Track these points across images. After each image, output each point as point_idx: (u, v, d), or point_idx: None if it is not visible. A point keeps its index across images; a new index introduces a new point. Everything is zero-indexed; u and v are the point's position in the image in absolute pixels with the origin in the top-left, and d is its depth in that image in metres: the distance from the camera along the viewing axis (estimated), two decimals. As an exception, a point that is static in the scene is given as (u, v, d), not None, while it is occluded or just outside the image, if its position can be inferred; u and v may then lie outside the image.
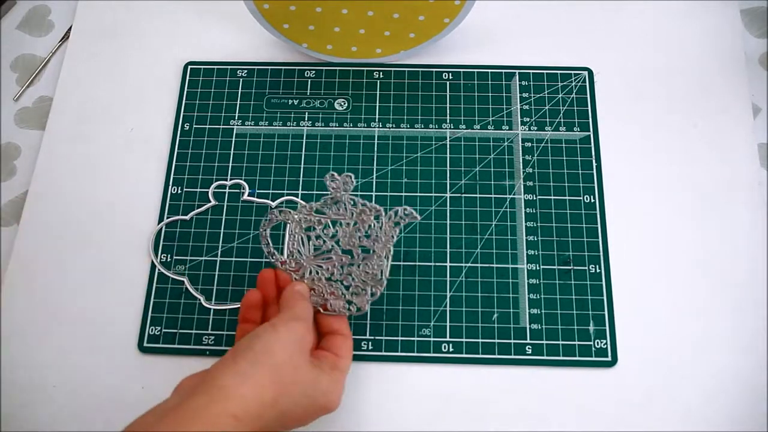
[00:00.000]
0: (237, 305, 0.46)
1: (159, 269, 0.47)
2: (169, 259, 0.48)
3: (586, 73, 0.53)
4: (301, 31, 0.51)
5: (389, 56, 0.53)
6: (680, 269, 0.47)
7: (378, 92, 0.53)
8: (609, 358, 0.45)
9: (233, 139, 0.52)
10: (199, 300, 0.47)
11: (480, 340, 0.45)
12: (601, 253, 0.47)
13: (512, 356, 0.45)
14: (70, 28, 0.57)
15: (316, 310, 0.41)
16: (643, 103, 0.52)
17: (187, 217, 0.49)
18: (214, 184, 0.50)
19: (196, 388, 0.34)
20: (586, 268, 0.47)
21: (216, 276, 0.47)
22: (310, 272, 0.42)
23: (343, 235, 0.42)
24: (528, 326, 0.46)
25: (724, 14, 0.55)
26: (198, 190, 0.50)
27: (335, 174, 0.42)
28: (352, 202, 0.42)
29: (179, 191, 0.50)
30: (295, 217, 0.42)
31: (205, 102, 0.53)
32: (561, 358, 0.45)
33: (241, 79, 0.54)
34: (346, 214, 0.42)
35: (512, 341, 0.45)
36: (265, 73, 0.54)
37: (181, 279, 0.47)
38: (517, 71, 0.53)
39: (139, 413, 0.44)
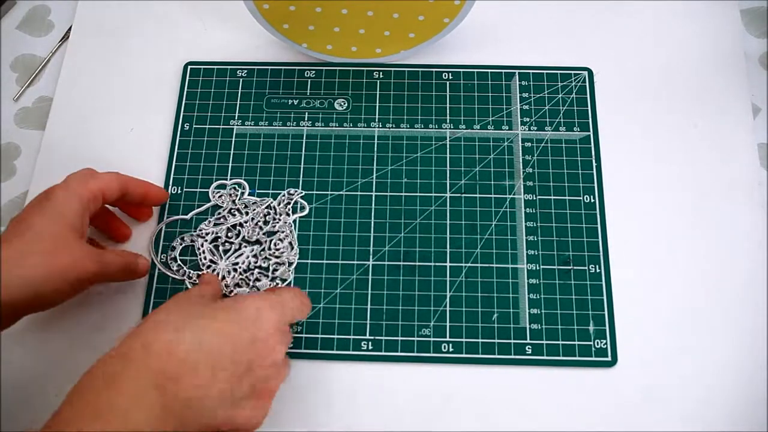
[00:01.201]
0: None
1: (159, 269, 0.47)
2: (169, 259, 0.48)
3: (586, 73, 0.53)
4: (301, 31, 0.51)
5: (389, 56, 0.53)
6: (680, 269, 0.47)
7: (378, 92, 0.53)
8: (609, 358, 0.45)
9: (233, 139, 0.52)
10: None
11: (480, 340, 0.45)
12: (601, 253, 0.47)
13: (512, 356, 0.45)
14: (70, 28, 0.57)
15: None
16: (643, 103, 0.52)
17: (187, 217, 0.49)
18: (215, 184, 0.50)
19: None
20: (586, 268, 0.47)
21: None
22: (229, 272, 0.46)
23: (246, 231, 0.47)
24: (528, 326, 0.46)
25: (724, 14, 0.55)
26: (198, 190, 0.50)
27: (220, 187, 0.50)
28: (243, 205, 0.49)
29: (179, 191, 0.50)
30: (198, 234, 0.48)
31: (205, 102, 0.53)
32: (561, 358, 0.45)
33: (241, 79, 0.54)
34: (242, 216, 0.48)
35: (512, 341, 0.45)
36: (265, 73, 0.54)
37: (182, 279, 0.47)
38: (517, 71, 0.53)
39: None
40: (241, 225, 0.48)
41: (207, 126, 0.52)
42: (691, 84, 0.53)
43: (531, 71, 0.53)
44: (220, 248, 0.48)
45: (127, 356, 0.33)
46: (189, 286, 0.47)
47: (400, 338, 0.46)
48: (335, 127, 0.52)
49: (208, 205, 0.49)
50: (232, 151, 0.51)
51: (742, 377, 0.44)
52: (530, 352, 0.45)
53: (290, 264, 0.47)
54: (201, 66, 0.54)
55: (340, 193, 0.50)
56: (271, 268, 0.47)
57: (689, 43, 0.54)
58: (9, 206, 0.51)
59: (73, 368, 0.45)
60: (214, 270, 0.47)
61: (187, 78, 0.54)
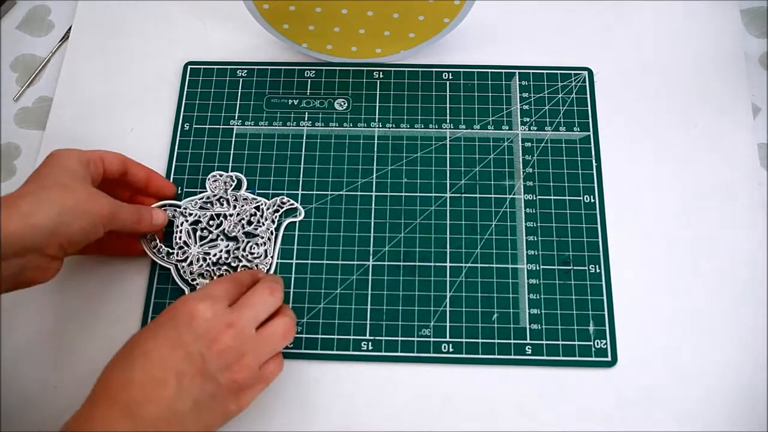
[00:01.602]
0: None
1: (142, 243, 0.47)
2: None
3: (586, 73, 0.53)
4: (301, 31, 0.51)
5: (389, 56, 0.53)
6: (680, 269, 0.47)
7: (378, 92, 0.53)
8: (609, 358, 0.45)
9: (233, 139, 0.52)
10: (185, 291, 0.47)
11: (480, 340, 0.45)
12: (601, 253, 0.47)
13: (512, 356, 0.45)
14: (70, 28, 0.57)
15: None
16: (643, 103, 0.52)
17: (180, 203, 0.48)
18: (213, 173, 0.50)
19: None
20: (586, 268, 0.47)
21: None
22: (198, 260, 0.46)
23: (228, 225, 0.47)
24: (528, 326, 0.46)
25: (724, 14, 0.55)
26: (198, 190, 0.50)
27: (217, 174, 0.49)
28: (234, 198, 0.48)
29: (179, 191, 0.50)
30: (182, 211, 0.48)
31: (205, 102, 0.53)
32: (561, 358, 0.45)
33: (241, 79, 0.54)
34: (229, 208, 0.48)
35: (512, 341, 0.45)
36: (265, 73, 0.54)
37: (168, 266, 0.47)
38: (517, 71, 0.53)
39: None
40: (225, 216, 0.48)
41: (207, 126, 0.52)
42: (691, 84, 0.53)
43: (531, 71, 0.53)
44: (198, 233, 0.47)
45: (92, 400, 0.35)
46: (158, 261, 0.47)
47: (400, 338, 0.46)
48: (335, 127, 0.52)
49: (203, 194, 0.49)
50: (232, 151, 0.51)
51: (742, 377, 0.44)
52: (530, 352, 0.45)
53: (267, 271, 0.47)
54: (201, 66, 0.54)
55: (340, 193, 0.50)
56: (238, 269, 0.47)
57: (689, 43, 0.54)
58: (9, 206, 0.51)
59: (73, 368, 0.45)
60: (184, 252, 0.47)
61: (187, 78, 0.54)
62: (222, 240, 0.47)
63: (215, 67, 0.54)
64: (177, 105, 0.53)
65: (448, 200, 0.49)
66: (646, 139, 0.51)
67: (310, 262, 0.48)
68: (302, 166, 0.51)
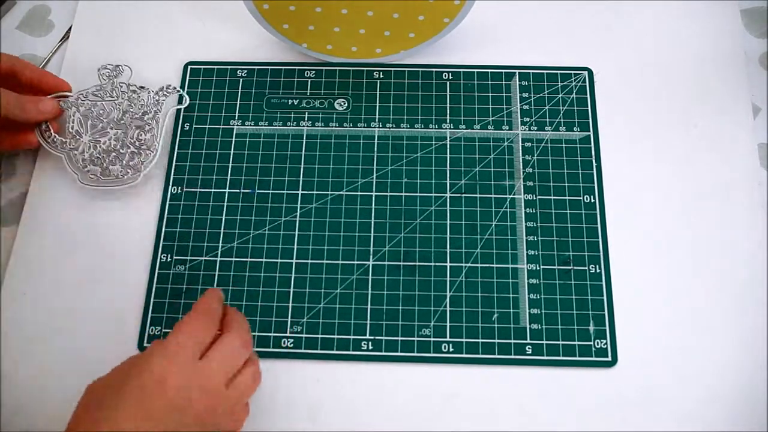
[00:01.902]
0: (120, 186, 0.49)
1: (37, 137, 0.49)
2: (169, 259, 0.48)
3: (586, 73, 0.53)
4: (301, 31, 0.51)
5: (389, 56, 0.53)
6: (680, 269, 0.47)
7: (378, 92, 0.53)
8: (609, 358, 0.45)
9: (233, 139, 0.52)
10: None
11: (480, 340, 0.45)
12: (601, 253, 0.47)
13: (512, 356, 0.45)
14: (70, 28, 0.57)
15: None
16: (643, 103, 0.52)
17: (71, 95, 0.51)
18: (102, 65, 0.52)
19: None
20: (586, 268, 0.47)
21: (216, 276, 0.47)
22: (89, 147, 0.49)
23: (117, 113, 0.50)
24: (528, 326, 0.46)
25: (724, 14, 0.55)
26: (198, 190, 0.50)
27: (107, 65, 0.52)
28: (122, 87, 0.51)
29: (179, 191, 0.50)
30: (73, 102, 0.50)
31: (205, 102, 0.53)
32: (561, 358, 0.45)
33: (241, 79, 0.54)
34: (118, 98, 0.50)
35: (512, 341, 0.45)
36: (265, 73, 0.54)
37: (60, 155, 0.49)
38: (517, 71, 0.53)
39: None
40: (113, 105, 0.50)
41: (207, 126, 0.52)
42: (691, 84, 0.53)
43: (531, 71, 0.53)
44: (89, 122, 0.50)
45: None
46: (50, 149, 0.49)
47: (400, 338, 0.46)
48: (335, 127, 0.52)
49: (95, 85, 0.51)
50: (232, 151, 0.51)
51: (742, 377, 0.44)
52: (530, 352, 0.45)
53: (146, 157, 0.49)
54: (201, 66, 0.54)
55: (340, 193, 0.50)
56: (127, 156, 0.49)
57: (689, 43, 0.54)
58: (9, 206, 0.51)
59: (73, 368, 0.45)
60: (76, 141, 0.49)
61: (187, 78, 0.54)
62: (111, 129, 0.49)
63: (215, 67, 0.54)
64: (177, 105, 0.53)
65: (448, 200, 0.49)
66: (646, 139, 0.51)
67: (310, 261, 0.48)
68: (302, 166, 0.51)
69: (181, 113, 0.53)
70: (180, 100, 0.52)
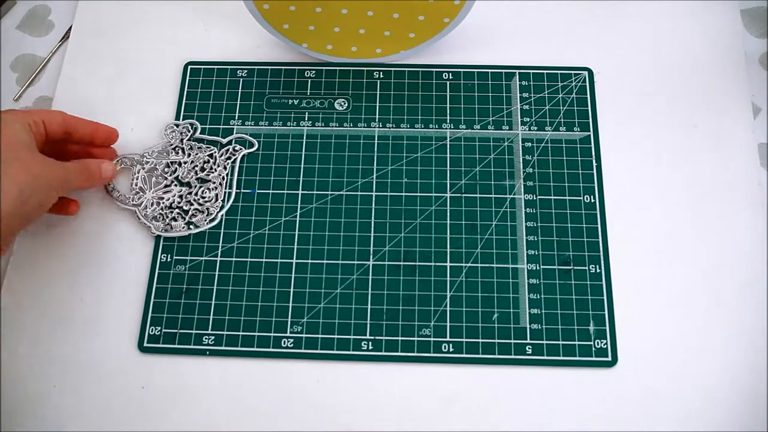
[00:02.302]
0: (182, 233, 0.49)
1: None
2: (169, 259, 0.48)
3: (586, 73, 0.53)
4: (301, 31, 0.51)
5: (389, 56, 0.53)
6: (680, 269, 0.47)
7: (378, 92, 0.53)
8: (609, 358, 0.45)
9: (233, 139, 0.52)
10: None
11: (480, 340, 0.45)
12: (601, 253, 0.47)
13: (512, 356, 0.45)
14: (70, 28, 0.57)
15: None
16: (643, 103, 0.52)
17: (138, 153, 0.51)
18: (167, 124, 0.52)
19: None
20: (586, 268, 0.47)
21: (216, 276, 0.48)
22: (152, 204, 0.49)
23: (182, 171, 0.49)
24: (528, 326, 0.46)
25: (724, 14, 0.55)
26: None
27: (174, 125, 0.51)
28: (189, 147, 0.50)
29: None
30: (139, 160, 0.50)
31: (205, 102, 0.53)
32: (561, 358, 0.45)
33: (241, 79, 0.54)
34: (184, 156, 0.50)
35: (512, 341, 0.45)
36: (265, 73, 0.54)
37: (128, 209, 0.49)
38: (517, 71, 0.53)
39: (139, 413, 0.45)
40: (179, 164, 0.50)
41: (207, 126, 0.52)
42: (691, 84, 0.53)
43: (531, 71, 0.53)
44: (153, 179, 0.50)
45: None
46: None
47: (400, 338, 0.46)
48: (335, 127, 0.52)
49: (160, 143, 0.51)
50: (232, 151, 0.51)
51: (742, 377, 0.44)
52: (530, 352, 0.45)
53: (210, 214, 0.49)
54: (201, 66, 0.54)
55: (340, 193, 0.50)
56: (190, 213, 0.49)
57: (689, 43, 0.54)
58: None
59: (73, 368, 0.45)
60: (140, 198, 0.49)
61: (187, 78, 0.54)
62: (176, 185, 0.49)
63: (215, 67, 0.54)
64: (177, 105, 0.53)
65: (448, 200, 0.49)
66: (646, 139, 0.51)
67: (310, 261, 0.48)
68: (302, 166, 0.51)
69: (181, 113, 0.53)
70: (247, 145, 0.51)
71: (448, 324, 0.46)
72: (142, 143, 0.52)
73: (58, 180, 0.41)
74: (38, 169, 0.40)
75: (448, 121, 0.52)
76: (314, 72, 0.54)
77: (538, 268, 0.47)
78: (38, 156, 0.41)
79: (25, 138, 0.41)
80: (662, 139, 0.51)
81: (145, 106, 0.53)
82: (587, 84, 0.53)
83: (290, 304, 0.47)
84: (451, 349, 0.45)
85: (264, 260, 0.48)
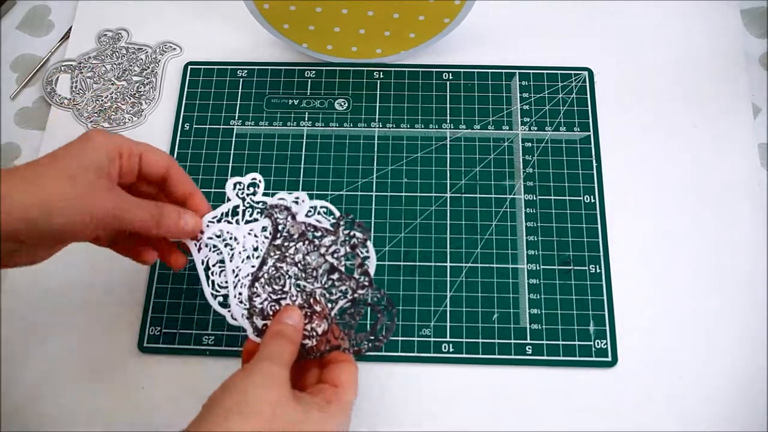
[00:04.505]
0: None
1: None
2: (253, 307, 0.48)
3: (586, 73, 0.53)
4: (301, 31, 0.51)
5: (389, 56, 0.53)
6: (680, 269, 0.47)
7: (378, 92, 0.53)
8: (609, 359, 0.45)
9: (233, 139, 0.52)
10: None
11: (480, 340, 0.45)
12: (601, 253, 0.47)
13: (512, 356, 0.45)
14: (71, 28, 0.57)
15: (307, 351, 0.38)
16: (643, 103, 0.52)
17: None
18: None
19: None
20: (586, 268, 0.47)
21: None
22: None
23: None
24: (528, 326, 0.46)
25: (724, 14, 0.55)
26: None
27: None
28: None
29: (179, 191, 0.50)
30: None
31: (205, 102, 0.53)
32: (561, 358, 0.45)
33: (241, 79, 0.54)
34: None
35: (512, 341, 0.45)
36: (265, 73, 0.54)
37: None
38: (517, 71, 0.53)
39: (139, 413, 0.44)
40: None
41: (207, 126, 0.52)
42: (691, 84, 0.53)
43: (531, 71, 0.53)
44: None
45: None
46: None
47: (400, 338, 0.46)
48: (335, 127, 0.52)
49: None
50: (232, 151, 0.51)
51: (742, 377, 0.44)
52: (530, 352, 0.45)
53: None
54: (201, 66, 0.54)
55: (340, 193, 0.50)
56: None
57: (689, 43, 0.54)
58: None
59: (73, 368, 0.45)
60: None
61: (187, 78, 0.54)
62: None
63: (215, 67, 0.54)
64: (177, 105, 0.53)
65: (448, 200, 0.49)
66: (646, 139, 0.51)
67: (310, 262, 0.48)
68: (302, 166, 0.51)
69: (181, 113, 0.52)
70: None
71: (448, 324, 0.46)
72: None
73: (106, 210, 0.35)
74: (80, 193, 0.35)
75: (448, 121, 0.52)
76: (314, 72, 0.54)
77: (538, 268, 0.47)
78: (100, 181, 0.36)
79: (101, 162, 0.36)
80: (662, 139, 0.51)
81: (146, 105, 0.53)
82: (587, 84, 0.53)
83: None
84: (451, 349, 0.45)
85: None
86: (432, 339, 0.45)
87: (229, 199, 0.40)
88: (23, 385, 0.45)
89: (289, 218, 0.39)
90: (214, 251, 0.39)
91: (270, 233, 0.39)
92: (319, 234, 0.38)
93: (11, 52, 0.57)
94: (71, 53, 0.55)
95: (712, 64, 0.53)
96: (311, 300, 0.38)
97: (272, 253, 0.38)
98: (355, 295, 0.38)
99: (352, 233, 0.38)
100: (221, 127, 0.52)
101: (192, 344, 0.46)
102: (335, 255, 0.38)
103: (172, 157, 0.40)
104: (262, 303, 0.38)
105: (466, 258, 0.48)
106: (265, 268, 0.38)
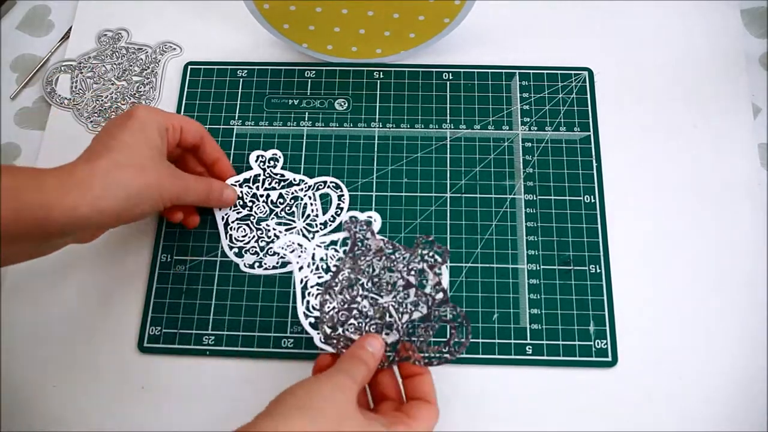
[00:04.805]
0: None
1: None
2: (169, 259, 0.48)
3: (586, 73, 0.53)
4: (301, 31, 0.51)
5: (389, 56, 0.53)
6: (680, 269, 0.47)
7: (378, 92, 0.53)
8: (609, 359, 0.45)
9: (233, 139, 0.52)
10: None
11: (480, 340, 0.45)
12: (601, 253, 0.47)
13: (512, 356, 0.45)
14: (71, 28, 0.57)
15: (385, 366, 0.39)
16: (643, 103, 0.52)
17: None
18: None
19: None
20: (586, 268, 0.47)
21: (216, 276, 0.47)
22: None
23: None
24: (528, 326, 0.46)
25: (724, 14, 0.55)
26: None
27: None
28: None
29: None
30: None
31: (205, 102, 0.53)
32: (561, 358, 0.45)
33: (241, 79, 0.54)
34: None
35: (512, 341, 0.45)
36: (265, 73, 0.54)
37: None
38: (517, 71, 0.53)
39: (139, 413, 0.44)
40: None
41: (207, 126, 0.52)
42: (691, 84, 0.53)
43: (531, 71, 0.53)
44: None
45: None
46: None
47: (400, 338, 0.46)
48: (335, 127, 0.52)
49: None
50: (232, 151, 0.51)
51: (742, 377, 0.44)
52: (530, 352, 0.45)
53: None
54: (201, 66, 0.54)
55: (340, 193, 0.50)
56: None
57: (689, 43, 0.54)
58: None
59: (73, 368, 0.45)
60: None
61: (187, 78, 0.54)
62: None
63: (215, 67, 0.54)
64: (177, 105, 0.53)
65: (448, 200, 0.49)
66: (646, 139, 0.51)
67: (310, 262, 0.48)
68: (302, 166, 0.51)
69: (182, 113, 0.52)
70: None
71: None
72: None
73: (172, 192, 0.41)
74: (154, 178, 0.39)
75: (448, 121, 0.52)
76: (314, 72, 0.54)
77: (538, 268, 0.47)
78: (162, 164, 0.40)
79: (156, 142, 0.40)
80: (662, 139, 0.51)
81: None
82: (587, 84, 0.53)
83: (290, 305, 0.47)
84: (451, 349, 0.45)
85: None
86: (432, 339, 0.45)
87: (251, 168, 0.49)
88: (23, 385, 0.45)
89: (369, 233, 0.40)
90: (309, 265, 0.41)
91: (340, 247, 0.41)
92: (396, 251, 0.40)
93: (11, 52, 0.57)
94: (71, 53, 0.55)
95: (712, 64, 0.53)
96: (383, 312, 0.39)
97: (348, 264, 0.40)
98: (431, 311, 0.39)
99: (431, 254, 0.40)
100: (221, 127, 0.52)
101: (192, 344, 0.46)
102: (412, 272, 0.39)
103: (203, 125, 0.45)
104: (331, 310, 0.39)
105: (466, 258, 0.48)
106: (340, 276, 0.39)
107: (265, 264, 0.47)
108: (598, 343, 0.45)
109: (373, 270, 0.39)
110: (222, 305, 0.47)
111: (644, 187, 0.50)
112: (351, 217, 0.42)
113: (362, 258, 0.39)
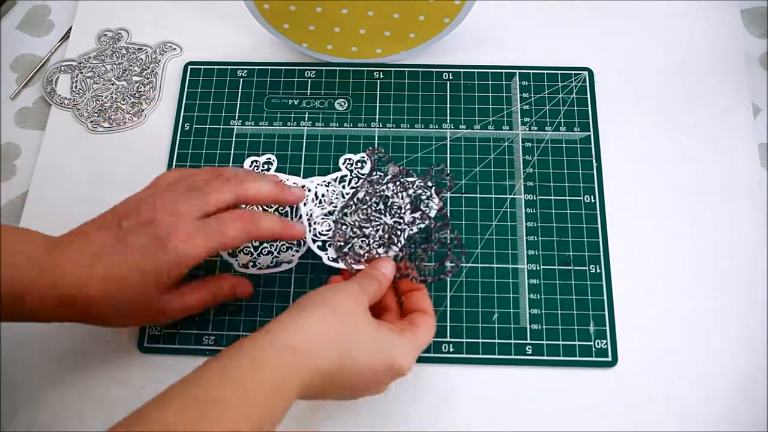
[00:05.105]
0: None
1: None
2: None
3: (586, 73, 0.53)
4: (301, 31, 0.51)
5: (389, 56, 0.53)
6: (680, 269, 0.47)
7: (378, 92, 0.53)
8: (609, 359, 0.45)
9: (233, 139, 0.52)
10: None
11: (480, 340, 0.45)
12: (601, 253, 0.47)
13: (513, 356, 0.45)
14: (71, 28, 0.57)
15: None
16: (643, 103, 0.52)
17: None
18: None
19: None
20: (586, 268, 0.47)
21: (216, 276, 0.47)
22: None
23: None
24: (528, 326, 0.46)
25: (724, 14, 0.55)
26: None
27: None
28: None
29: (179, 191, 0.50)
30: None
31: (205, 102, 0.53)
32: (561, 358, 0.45)
33: (241, 79, 0.54)
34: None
35: (512, 341, 0.45)
36: (265, 73, 0.54)
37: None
38: (517, 71, 0.53)
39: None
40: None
41: (207, 126, 0.52)
42: (691, 84, 0.53)
43: (531, 71, 0.53)
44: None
45: (277, 360, 0.33)
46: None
47: (400, 338, 0.46)
48: (335, 127, 0.52)
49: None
50: (232, 151, 0.51)
51: (742, 377, 0.44)
52: (531, 353, 0.45)
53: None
54: (201, 66, 0.54)
55: (341, 193, 0.50)
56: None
57: (689, 43, 0.54)
58: (9, 206, 0.51)
59: (73, 368, 0.45)
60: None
61: (187, 78, 0.54)
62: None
63: (215, 67, 0.54)
64: (177, 105, 0.53)
65: (448, 200, 0.49)
66: (646, 139, 0.51)
67: (310, 261, 0.48)
68: (302, 166, 0.51)
69: (181, 113, 0.52)
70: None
71: (448, 324, 0.46)
72: (143, 144, 0.52)
73: (170, 317, 0.41)
74: (156, 310, 0.40)
75: (448, 121, 0.52)
76: (314, 72, 0.54)
77: (538, 268, 0.47)
78: (162, 295, 0.39)
79: (166, 281, 0.39)
80: (662, 139, 0.51)
81: (146, 105, 0.53)
82: (587, 84, 0.53)
83: (290, 304, 0.46)
84: (451, 349, 0.45)
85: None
86: (432, 339, 0.45)
87: None
88: (23, 385, 0.45)
89: (387, 158, 0.47)
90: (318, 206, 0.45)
91: (338, 183, 0.46)
92: (409, 179, 0.45)
93: (11, 52, 0.57)
94: (71, 53, 0.55)
95: (712, 64, 0.53)
96: (391, 231, 0.43)
97: (366, 187, 0.45)
98: (432, 233, 0.44)
99: (440, 180, 0.46)
100: (221, 127, 0.52)
101: (192, 344, 0.46)
102: (421, 197, 0.45)
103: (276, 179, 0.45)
104: (346, 228, 0.44)
105: (466, 258, 0.47)
106: (356, 198, 0.44)
107: (259, 263, 0.47)
108: (598, 343, 0.45)
109: (388, 194, 0.44)
110: (222, 305, 0.47)
111: (644, 187, 0.50)
112: (371, 146, 0.48)
113: (378, 183, 0.45)
